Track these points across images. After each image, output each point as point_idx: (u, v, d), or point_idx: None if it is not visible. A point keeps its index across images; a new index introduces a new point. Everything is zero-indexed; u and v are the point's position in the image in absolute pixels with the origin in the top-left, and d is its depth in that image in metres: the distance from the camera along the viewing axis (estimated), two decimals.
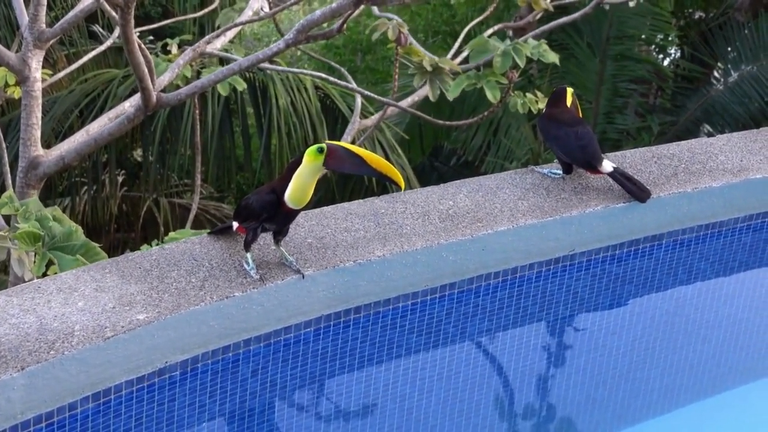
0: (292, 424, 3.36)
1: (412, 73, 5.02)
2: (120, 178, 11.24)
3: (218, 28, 6.64)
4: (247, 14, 6.16)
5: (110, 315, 2.94)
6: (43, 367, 2.73)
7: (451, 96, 4.82)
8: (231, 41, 6.77)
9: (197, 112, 7.18)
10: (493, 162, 12.59)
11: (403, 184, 3.11)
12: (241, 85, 6.39)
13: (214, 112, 9.74)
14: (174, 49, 6.65)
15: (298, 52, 17.18)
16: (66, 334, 2.84)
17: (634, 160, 4.16)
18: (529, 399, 3.68)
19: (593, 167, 3.86)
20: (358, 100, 7.05)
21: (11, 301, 2.98)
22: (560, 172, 3.97)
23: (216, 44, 6.21)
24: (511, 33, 7.84)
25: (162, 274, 3.18)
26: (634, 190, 3.81)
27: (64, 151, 5.58)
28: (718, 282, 4.25)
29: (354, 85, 6.37)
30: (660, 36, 13.86)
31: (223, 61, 7.23)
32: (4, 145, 6.03)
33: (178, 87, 5.91)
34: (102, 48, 6.72)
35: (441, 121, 5.52)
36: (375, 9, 6.11)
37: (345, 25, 4.69)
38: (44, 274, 3.84)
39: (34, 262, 3.82)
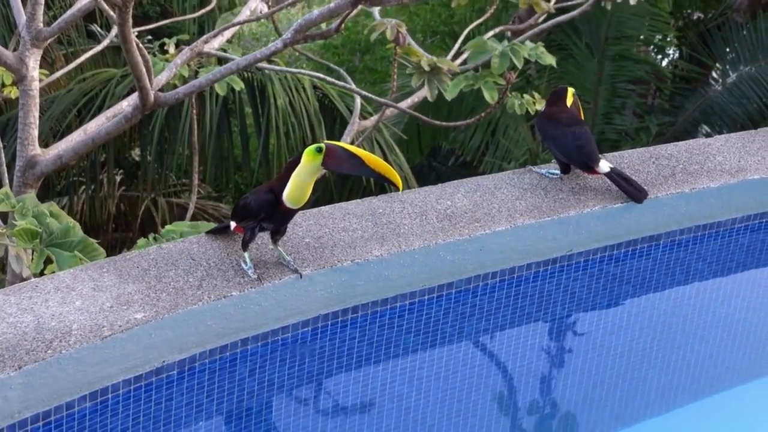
0: (290, 424, 3.36)
1: (410, 73, 5.02)
2: (118, 178, 11.24)
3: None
4: (245, 14, 6.16)
5: (108, 314, 2.94)
6: (41, 366, 2.73)
7: (449, 96, 4.82)
8: (229, 41, 6.76)
9: (195, 111, 7.17)
10: (491, 162, 12.59)
11: (401, 186, 3.11)
12: (239, 85, 6.39)
13: (212, 112, 9.74)
14: (172, 49, 6.65)
15: (296, 53, 17.19)
16: (63, 333, 2.84)
17: (632, 160, 4.16)
18: (527, 399, 3.68)
19: (590, 167, 3.86)
20: (358, 100, 7.05)
21: (9, 300, 2.98)
22: (558, 172, 3.97)
23: (213, 44, 6.21)
24: (509, 34, 7.84)
25: (160, 274, 3.18)
26: (630, 190, 3.81)
27: (62, 151, 5.58)
28: (716, 282, 4.25)
29: (353, 86, 6.37)
30: (658, 36, 13.86)
31: (221, 61, 7.23)
32: (1, 145, 6.03)
33: (175, 86, 5.91)
34: (100, 47, 6.72)
35: (439, 122, 5.52)
36: (375, 13, 6.11)
37: (343, 25, 4.69)
38: (42, 272, 3.84)
39: (32, 259, 3.81)
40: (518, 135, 12.59)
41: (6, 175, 6.01)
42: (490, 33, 5.80)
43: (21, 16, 5.62)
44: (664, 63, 14.93)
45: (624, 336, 3.96)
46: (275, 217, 3.18)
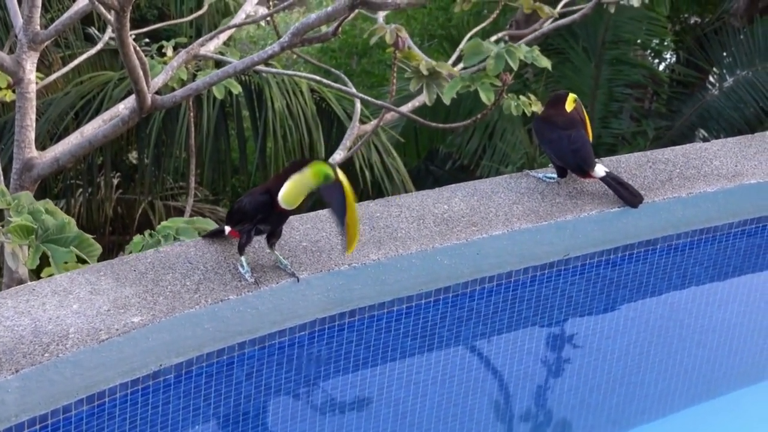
0: (287, 428, 3.36)
1: (408, 77, 5.02)
2: (115, 181, 11.22)
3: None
4: (240, 17, 6.16)
5: (105, 318, 2.93)
6: (38, 369, 2.72)
7: (446, 98, 4.82)
8: (226, 44, 6.75)
9: (192, 115, 7.16)
10: (489, 166, 12.59)
11: (348, 251, 3.11)
12: (236, 88, 6.39)
13: (209, 115, 9.73)
14: (169, 52, 6.65)
15: (294, 56, 17.19)
16: (61, 336, 2.84)
17: (629, 164, 4.17)
18: (524, 403, 3.68)
19: (585, 172, 3.86)
20: (358, 104, 7.04)
21: (6, 303, 2.98)
22: (555, 176, 3.97)
23: (209, 47, 6.20)
24: (507, 38, 7.86)
25: (157, 277, 3.18)
26: (625, 195, 3.81)
27: (59, 153, 5.57)
28: (713, 287, 4.25)
29: (353, 90, 6.37)
30: (656, 41, 13.89)
31: (218, 64, 7.23)
32: None
33: (173, 89, 5.90)
34: (95, 50, 6.71)
35: (438, 124, 5.51)
36: (380, 18, 6.11)
37: (340, 29, 4.69)
38: (38, 269, 3.83)
39: (28, 255, 3.81)
40: (515, 139, 12.59)
41: (2, 177, 6.00)
42: (493, 38, 5.80)
43: (18, 19, 5.62)
44: (661, 67, 14.95)
45: (621, 340, 3.96)
46: (271, 218, 3.18)
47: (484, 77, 4.67)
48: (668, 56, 14.98)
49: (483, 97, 4.69)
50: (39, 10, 5.45)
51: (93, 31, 10.87)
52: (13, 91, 5.71)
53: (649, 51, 14.42)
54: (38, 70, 5.68)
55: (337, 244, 3.42)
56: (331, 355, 3.40)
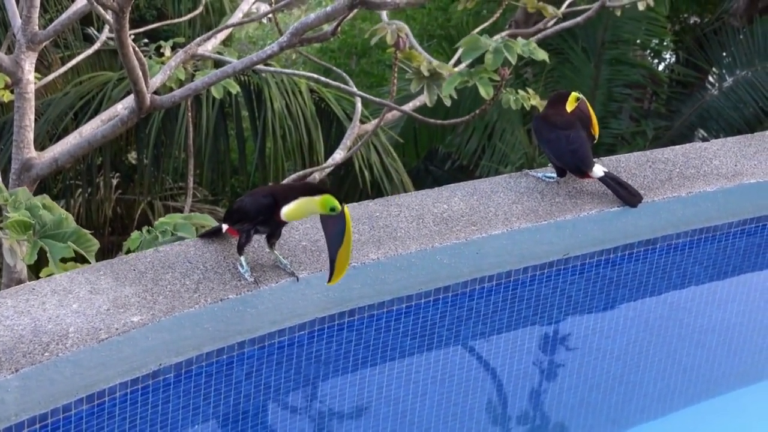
0: (286, 427, 3.36)
1: (409, 78, 5.02)
2: (114, 181, 11.22)
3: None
4: (237, 16, 6.15)
5: (104, 317, 2.93)
6: (38, 368, 2.72)
7: (444, 93, 4.82)
8: (225, 44, 6.75)
9: (191, 115, 7.16)
10: (488, 166, 12.59)
11: (331, 282, 3.09)
12: (234, 88, 6.39)
13: (208, 115, 9.73)
14: (167, 52, 6.64)
15: (294, 56, 17.19)
16: (60, 336, 2.84)
17: (628, 164, 4.17)
18: (523, 402, 3.68)
19: (582, 172, 3.85)
20: (358, 104, 7.04)
21: (5, 303, 2.98)
22: (554, 175, 3.97)
23: (207, 46, 6.20)
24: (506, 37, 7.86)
25: (156, 277, 3.17)
26: (624, 194, 3.81)
27: (57, 154, 5.57)
28: (712, 286, 4.26)
29: (354, 89, 6.37)
30: (655, 41, 13.89)
31: (217, 64, 7.23)
32: None
33: (171, 89, 5.90)
34: (93, 49, 6.70)
35: (437, 120, 5.51)
36: (384, 15, 6.11)
37: (339, 29, 4.68)
38: (37, 266, 3.83)
39: (26, 251, 3.81)
40: (515, 139, 12.59)
41: (0, 178, 6.00)
42: (497, 36, 5.79)
43: (16, 19, 5.61)
44: (661, 67, 14.96)
45: (620, 340, 3.96)
46: (270, 223, 3.18)
47: (483, 72, 4.66)
48: (668, 56, 14.98)
49: (482, 91, 4.69)
50: (37, 10, 5.45)
51: (92, 31, 10.87)
52: (12, 92, 5.71)
53: (648, 51, 14.42)
54: (38, 70, 5.68)
55: None
56: (330, 355, 3.40)
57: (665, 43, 14.16)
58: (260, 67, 6.00)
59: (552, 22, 6.29)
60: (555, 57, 12.12)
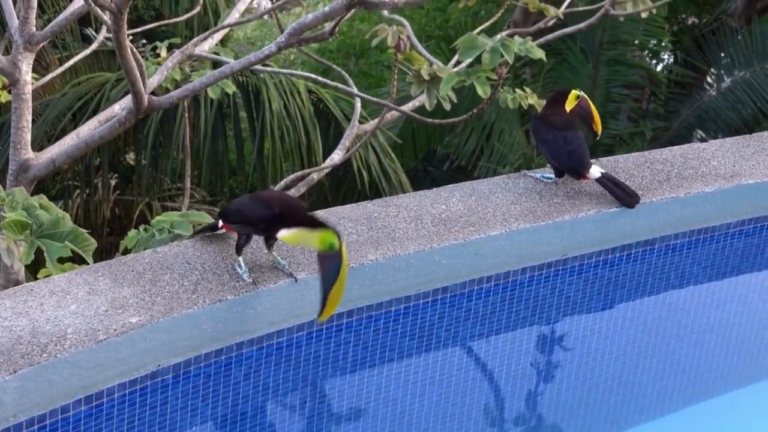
0: (285, 428, 3.36)
1: (409, 81, 5.02)
2: (113, 182, 11.21)
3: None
4: (234, 16, 6.15)
5: (103, 318, 2.93)
6: (36, 370, 2.72)
7: (442, 93, 4.82)
8: (223, 44, 6.75)
9: (188, 115, 7.16)
10: (486, 167, 12.59)
11: (320, 319, 3.05)
12: (231, 88, 6.38)
13: (206, 116, 9.73)
14: (164, 53, 6.64)
15: (292, 56, 17.20)
16: (58, 337, 2.83)
17: (626, 165, 4.17)
18: (522, 403, 3.68)
19: (579, 173, 3.85)
20: (358, 104, 7.04)
21: (3, 304, 2.98)
22: (553, 176, 3.97)
23: (204, 47, 6.20)
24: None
25: (155, 278, 3.17)
26: (621, 195, 3.81)
27: (55, 155, 5.56)
28: (711, 287, 4.26)
29: (354, 89, 6.37)
30: (653, 41, 13.88)
31: (215, 65, 7.23)
32: None
33: (168, 90, 5.90)
34: (90, 50, 6.70)
35: (435, 120, 5.51)
36: (386, 13, 6.11)
37: (337, 29, 4.68)
38: (34, 266, 3.82)
39: (23, 251, 3.80)
40: (513, 139, 12.59)
41: None
42: (498, 36, 5.79)
43: (13, 20, 5.61)
44: (659, 68, 14.96)
45: (619, 340, 3.96)
46: (269, 231, 3.17)
47: (480, 71, 4.66)
48: (666, 57, 14.98)
49: (479, 90, 4.69)
50: (35, 11, 5.44)
51: (90, 32, 10.85)
52: (9, 92, 5.70)
53: (646, 51, 14.42)
54: (36, 71, 5.67)
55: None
56: (329, 356, 3.40)
57: (663, 44, 14.15)
58: (258, 67, 6.00)
59: (552, 22, 6.29)
60: (553, 57, 12.11)
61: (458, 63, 5.89)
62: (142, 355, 2.94)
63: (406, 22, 5.84)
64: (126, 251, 3.90)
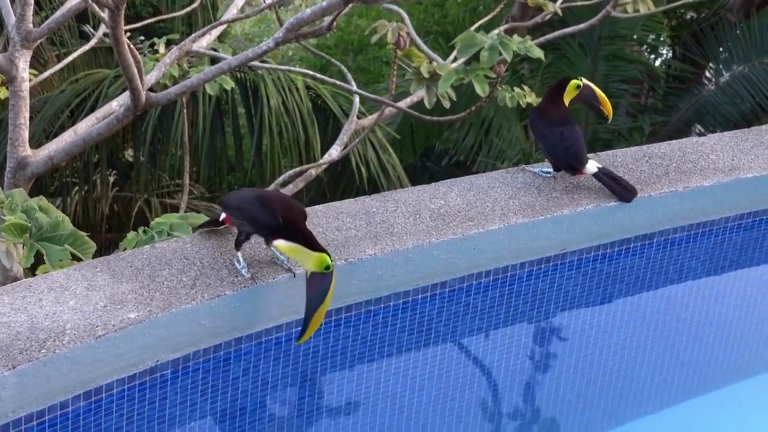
0: (284, 423, 3.36)
1: (408, 78, 5.02)
2: (111, 179, 11.21)
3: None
4: (232, 12, 6.14)
5: (101, 314, 2.93)
6: (35, 365, 2.72)
7: (440, 91, 4.82)
8: (221, 41, 6.74)
9: (186, 111, 7.16)
10: (485, 162, 12.58)
11: (299, 342, 3.07)
12: (229, 84, 6.38)
13: (205, 112, 9.72)
14: (161, 49, 6.64)
15: (290, 52, 17.19)
16: (57, 332, 2.83)
17: (625, 159, 4.17)
18: (520, 397, 3.68)
19: (574, 169, 3.85)
20: (356, 100, 7.04)
21: (2, 300, 2.98)
22: (551, 170, 3.97)
23: (202, 43, 6.19)
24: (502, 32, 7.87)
25: (153, 273, 3.17)
26: (618, 190, 3.81)
27: (53, 152, 5.56)
28: (709, 281, 4.26)
29: (353, 85, 6.37)
30: (652, 36, 13.86)
31: (213, 61, 7.23)
32: None
33: (166, 86, 5.90)
34: (88, 46, 6.70)
35: (434, 117, 5.52)
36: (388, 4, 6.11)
37: (335, 24, 4.68)
38: (34, 273, 3.82)
39: (23, 254, 3.80)
40: (511, 135, 12.58)
41: None
42: (496, 31, 5.79)
43: (10, 17, 5.61)
44: (658, 63, 14.94)
45: (617, 334, 3.97)
46: (268, 237, 3.17)
47: (478, 69, 4.66)
48: (664, 52, 14.96)
49: (478, 88, 4.69)
50: (31, 8, 5.44)
51: (88, 28, 10.85)
52: (7, 89, 5.70)
53: (645, 46, 14.41)
54: (33, 68, 5.67)
55: (334, 240, 3.41)
56: (327, 350, 3.40)
57: (662, 39, 14.14)
58: (256, 63, 6.00)
59: (549, 16, 6.29)
60: (552, 53, 12.09)
61: (456, 59, 5.89)
62: (141, 350, 2.94)
63: (406, 16, 5.83)
64: None
